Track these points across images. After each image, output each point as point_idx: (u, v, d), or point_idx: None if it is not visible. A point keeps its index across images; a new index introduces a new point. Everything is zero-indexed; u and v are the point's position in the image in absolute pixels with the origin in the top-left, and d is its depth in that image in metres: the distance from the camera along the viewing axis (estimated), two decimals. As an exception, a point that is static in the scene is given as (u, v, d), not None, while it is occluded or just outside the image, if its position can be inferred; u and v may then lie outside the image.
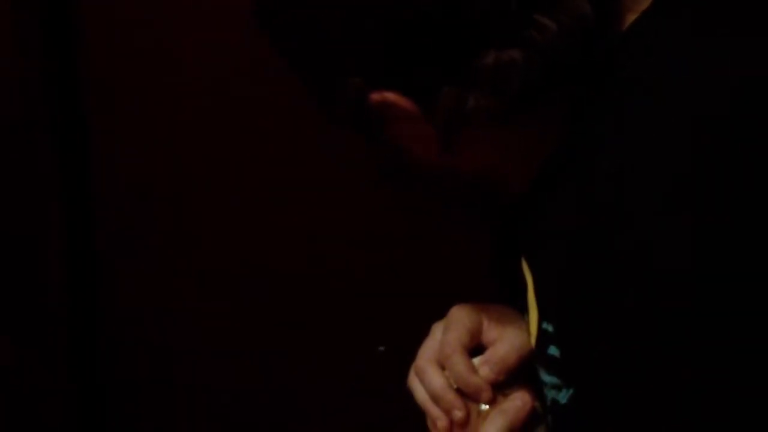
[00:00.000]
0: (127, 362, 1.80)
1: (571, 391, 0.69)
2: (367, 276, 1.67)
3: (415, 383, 0.86)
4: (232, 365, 1.76)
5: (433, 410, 0.83)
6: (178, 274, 1.75)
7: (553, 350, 0.72)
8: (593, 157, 0.74)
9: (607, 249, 0.68)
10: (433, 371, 0.84)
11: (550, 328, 0.73)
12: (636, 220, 0.67)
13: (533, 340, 0.75)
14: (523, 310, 0.83)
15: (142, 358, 1.79)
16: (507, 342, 0.82)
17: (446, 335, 0.83)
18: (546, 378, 0.72)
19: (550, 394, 0.71)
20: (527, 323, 0.78)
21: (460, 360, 0.82)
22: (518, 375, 0.81)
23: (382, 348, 1.66)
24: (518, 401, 0.77)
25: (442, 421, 0.82)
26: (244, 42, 1.62)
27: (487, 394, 0.80)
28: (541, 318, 0.75)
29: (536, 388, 0.79)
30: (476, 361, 0.80)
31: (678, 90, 0.73)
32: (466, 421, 0.80)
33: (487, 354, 0.81)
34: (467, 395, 0.80)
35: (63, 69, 1.65)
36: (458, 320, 0.84)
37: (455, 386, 0.81)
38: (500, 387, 0.80)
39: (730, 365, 0.61)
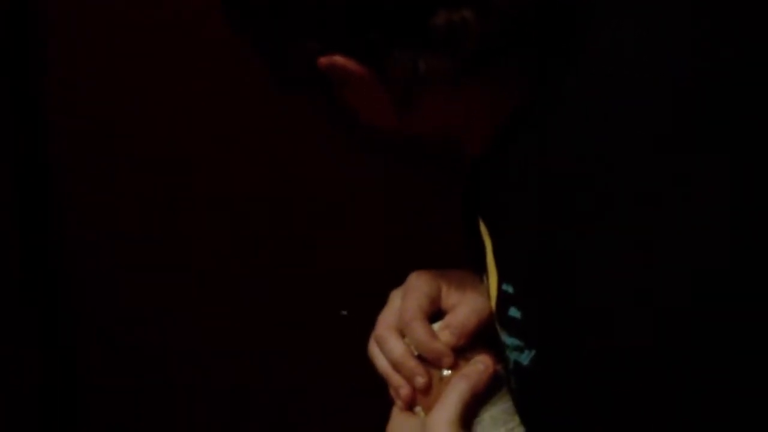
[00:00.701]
0: (127, 363, 1.80)
1: (533, 352, 0.68)
2: (368, 275, 1.68)
3: (375, 352, 0.85)
4: (231, 365, 1.76)
5: (394, 378, 0.82)
6: (178, 274, 1.76)
7: (513, 312, 0.71)
8: (555, 121, 0.73)
9: (567, 211, 0.67)
10: (393, 339, 0.83)
11: (510, 290, 0.72)
12: (597, 184, 0.67)
13: (493, 302, 0.75)
14: (482, 272, 0.82)
15: (142, 360, 1.80)
16: (466, 306, 0.81)
17: (405, 302, 0.83)
18: (507, 340, 0.71)
19: (513, 356, 0.71)
20: (487, 286, 0.77)
21: (420, 326, 0.81)
22: (479, 339, 0.81)
23: (344, 312, 1.67)
24: (480, 365, 0.77)
25: (404, 389, 0.81)
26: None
27: (448, 359, 0.80)
28: (501, 279, 0.74)
29: (498, 352, 0.79)
30: (436, 326, 0.80)
31: (641, 53, 0.73)
32: (428, 388, 0.79)
33: (447, 319, 0.80)
34: (428, 361, 0.80)
35: (28, 53, 1.66)
36: (417, 287, 0.84)
37: (416, 353, 0.80)
38: (461, 351, 0.80)
39: (687, 327, 0.61)
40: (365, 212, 1.68)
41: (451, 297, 0.83)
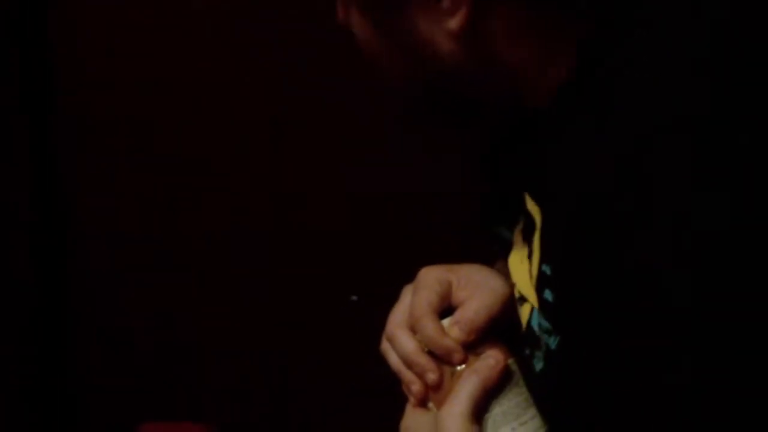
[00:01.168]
0: (127, 362, 1.81)
1: (559, 337, 0.68)
2: (367, 275, 1.68)
3: (387, 349, 0.84)
4: (231, 364, 1.77)
5: (406, 375, 0.81)
6: (178, 274, 1.76)
7: (547, 294, 0.70)
8: (614, 97, 0.68)
9: (616, 204, 0.64)
10: (403, 336, 0.81)
11: (548, 271, 0.71)
12: (655, 182, 0.62)
13: (534, 282, 0.74)
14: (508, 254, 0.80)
15: (144, 357, 1.80)
16: (476, 301, 0.80)
17: (415, 299, 0.81)
18: (543, 323, 0.71)
19: (544, 338, 0.70)
20: (529, 269, 0.75)
21: (430, 323, 0.79)
22: (490, 334, 0.80)
23: (354, 297, 1.67)
24: (491, 359, 0.76)
25: (416, 385, 0.80)
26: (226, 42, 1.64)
27: (458, 355, 0.78)
28: (542, 259, 0.72)
29: (511, 346, 0.79)
30: (446, 322, 0.80)
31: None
32: (440, 384, 0.79)
33: (457, 314, 0.79)
34: (439, 357, 0.80)
35: (34, 56, 1.67)
36: (427, 283, 0.82)
37: (427, 349, 0.80)
38: (472, 347, 0.80)
39: (720, 325, 0.60)
40: (365, 212, 1.68)
41: (461, 292, 0.81)
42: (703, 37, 0.68)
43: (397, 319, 0.82)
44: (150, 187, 1.73)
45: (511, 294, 0.79)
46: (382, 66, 0.77)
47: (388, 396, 1.66)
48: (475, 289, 0.79)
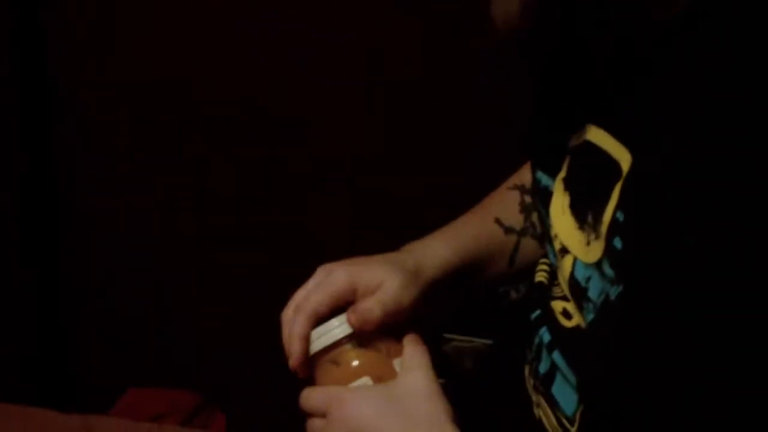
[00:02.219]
0: (125, 361, 1.81)
1: (620, 288, 0.66)
2: None
3: (283, 321, 0.93)
4: (231, 364, 1.77)
5: (288, 349, 0.91)
6: (178, 274, 1.76)
7: (617, 242, 0.68)
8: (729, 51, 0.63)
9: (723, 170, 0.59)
10: (292, 319, 0.90)
11: (621, 218, 0.68)
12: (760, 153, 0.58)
13: (605, 228, 0.70)
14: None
15: (142, 357, 1.80)
16: (374, 300, 0.85)
17: (314, 295, 0.88)
18: (607, 270, 0.69)
19: (605, 288, 0.69)
20: (591, 212, 0.73)
21: (301, 322, 0.88)
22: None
23: None
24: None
25: (291, 361, 0.90)
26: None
27: (293, 361, 0.89)
28: (618, 206, 0.68)
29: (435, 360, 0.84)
30: (340, 318, 0.86)
31: None
32: (297, 370, 0.89)
33: (355, 306, 0.84)
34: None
35: (32, 55, 1.68)
36: (329, 282, 0.88)
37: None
38: (386, 343, 0.85)
39: None
40: (365, 211, 1.69)
41: (363, 293, 0.87)
42: None
43: (298, 298, 0.92)
44: (150, 186, 1.73)
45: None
46: None
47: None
48: (380, 288, 0.82)
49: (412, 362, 0.80)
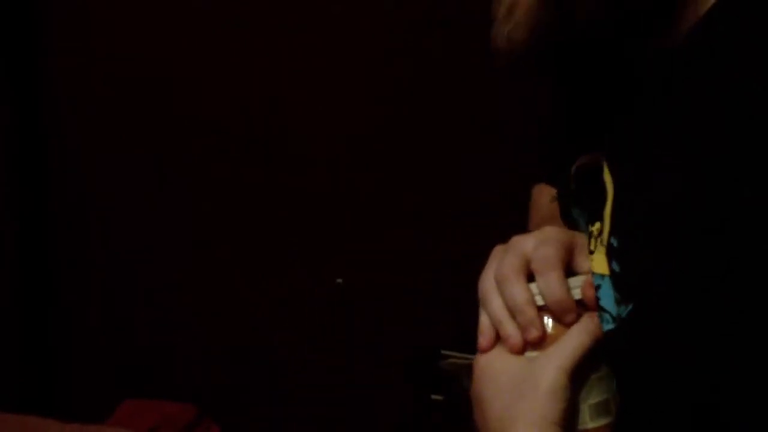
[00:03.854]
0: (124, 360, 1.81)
1: (630, 306, 0.66)
2: (367, 275, 1.69)
3: (491, 292, 0.78)
4: (231, 363, 1.77)
5: (507, 325, 0.77)
6: (178, 273, 1.76)
7: (614, 265, 0.67)
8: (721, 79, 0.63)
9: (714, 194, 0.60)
10: (519, 283, 0.75)
11: (615, 243, 0.68)
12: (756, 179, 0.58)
13: (605, 251, 0.70)
14: (575, 219, 0.77)
15: (138, 368, 1.80)
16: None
17: (544, 249, 0.78)
18: (614, 293, 0.69)
19: (615, 309, 0.69)
20: (596, 242, 0.73)
21: (559, 275, 0.79)
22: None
23: (340, 280, 1.69)
24: (597, 320, 0.74)
25: (515, 338, 0.76)
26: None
27: (573, 316, 0.76)
28: (611, 232, 0.68)
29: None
30: (573, 281, 0.78)
31: None
32: (540, 341, 0.77)
33: (590, 277, 0.77)
34: (552, 312, 0.77)
35: (24, 67, 1.68)
36: (555, 238, 0.79)
37: (540, 303, 0.78)
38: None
39: None
40: (365, 212, 1.69)
41: (582, 259, 0.79)
42: None
43: (513, 264, 0.77)
44: (148, 195, 1.74)
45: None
46: None
47: (376, 378, 1.67)
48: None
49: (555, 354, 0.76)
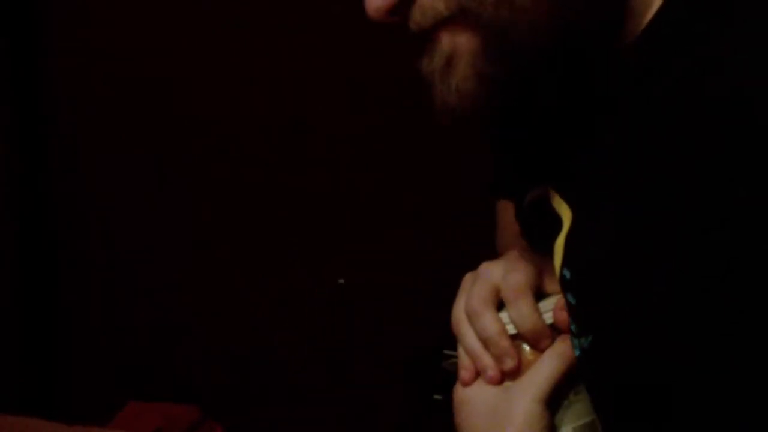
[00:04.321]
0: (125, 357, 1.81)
1: (590, 338, 0.66)
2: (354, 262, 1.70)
3: (464, 326, 0.81)
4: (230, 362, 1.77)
5: (483, 359, 0.77)
6: (176, 272, 1.76)
7: (570, 297, 0.66)
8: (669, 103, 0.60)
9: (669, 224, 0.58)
10: (489, 314, 0.75)
11: (567, 275, 0.67)
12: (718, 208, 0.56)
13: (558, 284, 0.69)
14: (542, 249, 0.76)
15: (142, 370, 1.80)
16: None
17: (512, 276, 0.77)
18: (573, 326, 0.69)
19: (575, 341, 0.69)
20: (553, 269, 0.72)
21: (530, 302, 0.76)
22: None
23: (342, 281, 1.70)
24: (569, 344, 0.73)
25: (492, 371, 0.76)
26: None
27: (548, 341, 0.76)
28: (563, 263, 0.67)
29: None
30: (543, 304, 0.77)
31: None
32: (516, 371, 0.76)
33: (561, 300, 0.76)
34: (527, 339, 0.77)
35: (24, 67, 1.69)
36: (522, 265, 0.78)
37: (512, 331, 0.77)
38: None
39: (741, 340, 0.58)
40: (356, 206, 1.70)
41: (551, 283, 0.78)
42: None
43: (481, 296, 0.76)
44: (150, 196, 1.74)
45: None
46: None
47: (376, 378, 1.66)
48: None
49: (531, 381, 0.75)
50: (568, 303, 0.67)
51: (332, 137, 1.67)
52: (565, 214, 0.69)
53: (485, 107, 0.64)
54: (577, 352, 0.67)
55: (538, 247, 0.74)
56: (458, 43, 0.64)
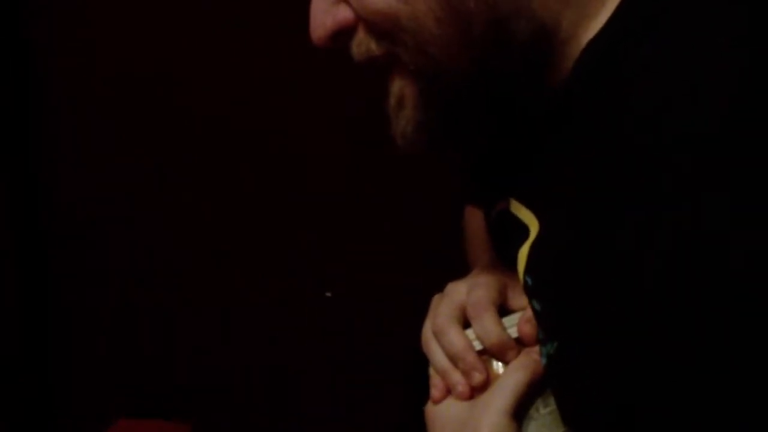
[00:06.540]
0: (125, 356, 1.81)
1: (555, 344, 0.66)
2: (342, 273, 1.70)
3: (433, 346, 0.79)
4: (210, 364, 1.77)
5: (452, 374, 0.78)
6: (178, 273, 1.77)
7: (535, 303, 0.67)
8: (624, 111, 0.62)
9: (618, 227, 0.59)
10: (454, 330, 0.76)
11: (530, 281, 0.68)
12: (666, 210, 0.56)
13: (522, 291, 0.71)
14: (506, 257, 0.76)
15: (132, 387, 1.80)
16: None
17: (475, 293, 0.79)
18: (540, 333, 0.70)
19: (543, 348, 0.69)
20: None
21: (493, 316, 0.78)
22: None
23: (329, 294, 1.70)
24: (535, 355, 0.74)
25: (462, 386, 0.77)
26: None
27: (513, 353, 0.77)
28: (526, 271, 0.68)
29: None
30: (508, 320, 0.78)
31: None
32: (485, 385, 0.77)
33: (526, 313, 0.77)
34: (493, 353, 0.78)
35: (19, 65, 1.69)
36: (485, 281, 0.80)
37: (478, 347, 0.78)
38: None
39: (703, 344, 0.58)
40: (363, 213, 1.70)
41: (516, 297, 0.80)
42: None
43: (446, 313, 0.78)
44: (146, 184, 1.74)
45: None
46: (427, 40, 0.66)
47: (376, 378, 1.65)
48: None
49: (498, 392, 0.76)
50: (534, 309, 0.68)
51: (333, 137, 1.67)
52: (532, 223, 0.71)
53: (432, 146, 0.69)
54: (544, 360, 0.67)
55: (507, 257, 0.76)
56: (404, 86, 0.69)
